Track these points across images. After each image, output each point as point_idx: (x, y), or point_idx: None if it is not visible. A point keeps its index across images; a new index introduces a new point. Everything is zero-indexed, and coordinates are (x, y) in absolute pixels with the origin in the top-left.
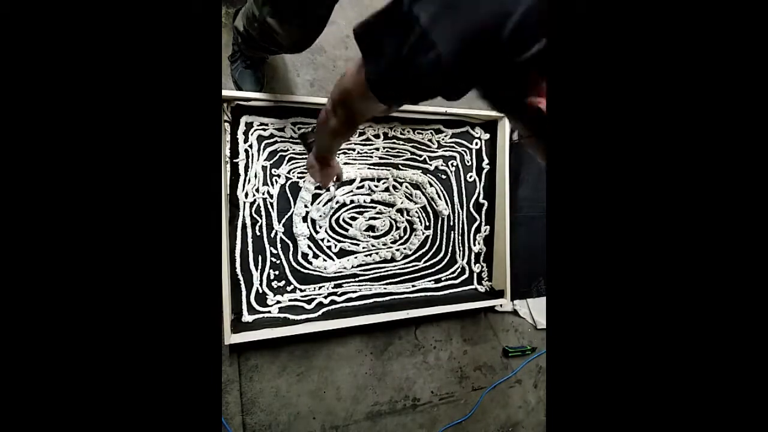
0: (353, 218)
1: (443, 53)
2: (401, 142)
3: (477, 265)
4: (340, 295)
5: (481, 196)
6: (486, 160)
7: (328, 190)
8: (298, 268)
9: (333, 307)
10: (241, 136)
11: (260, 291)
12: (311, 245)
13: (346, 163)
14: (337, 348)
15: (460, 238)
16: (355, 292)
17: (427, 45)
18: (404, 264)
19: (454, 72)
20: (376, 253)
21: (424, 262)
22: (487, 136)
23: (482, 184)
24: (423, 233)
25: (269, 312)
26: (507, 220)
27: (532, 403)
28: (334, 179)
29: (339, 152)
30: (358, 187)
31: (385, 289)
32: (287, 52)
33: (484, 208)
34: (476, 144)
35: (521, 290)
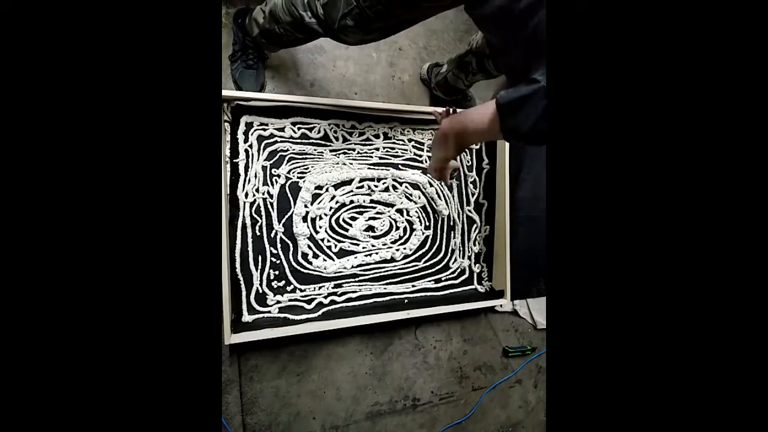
0: (353, 218)
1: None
2: (401, 142)
3: (477, 265)
4: (340, 295)
5: (481, 196)
6: (486, 160)
7: (450, 187)
8: (298, 268)
9: (333, 307)
10: (241, 136)
11: (260, 291)
12: (311, 245)
13: (344, 164)
14: (337, 348)
15: (460, 238)
16: (355, 292)
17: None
18: (404, 264)
19: None
20: (376, 253)
21: (424, 262)
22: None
23: (482, 184)
24: (423, 233)
25: (269, 312)
26: (507, 220)
27: (532, 403)
28: (454, 171)
29: (340, 152)
30: (358, 187)
31: (385, 289)
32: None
33: (484, 208)
34: (476, 144)
35: (521, 290)
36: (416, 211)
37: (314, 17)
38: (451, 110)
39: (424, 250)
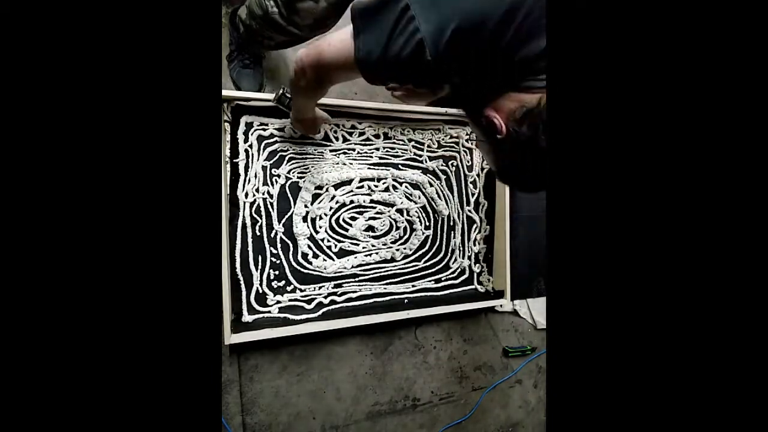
0: (353, 218)
1: (425, 35)
2: (401, 142)
3: (477, 265)
4: (340, 295)
5: (481, 196)
6: (486, 160)
7: (314, 137)
8: (298, 268)
9: (333, 307)
10: (241, 136)
11: (260, 291)
12: (311, 245)
13: (344, 164)
14: (337, 348)
15: (460, 238)
16: (355, 292)
17: (411, 25)
18: (404, 264)
19: (435, 59)
20: (376, 253)
21: (424, 262)
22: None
23: (482, 184)
24: (423, 233)
25: (269, 312)
26: (507, 220)
27: (532, 403)
28: (322, 126)
29: (340, 152)
30: (358, 187)
31: (385, 289)
32: (292, 40)
33: (484, 208)
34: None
35: (521, 290)
36: (416, 211)
37: (275, 5)
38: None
39: (424, 250)
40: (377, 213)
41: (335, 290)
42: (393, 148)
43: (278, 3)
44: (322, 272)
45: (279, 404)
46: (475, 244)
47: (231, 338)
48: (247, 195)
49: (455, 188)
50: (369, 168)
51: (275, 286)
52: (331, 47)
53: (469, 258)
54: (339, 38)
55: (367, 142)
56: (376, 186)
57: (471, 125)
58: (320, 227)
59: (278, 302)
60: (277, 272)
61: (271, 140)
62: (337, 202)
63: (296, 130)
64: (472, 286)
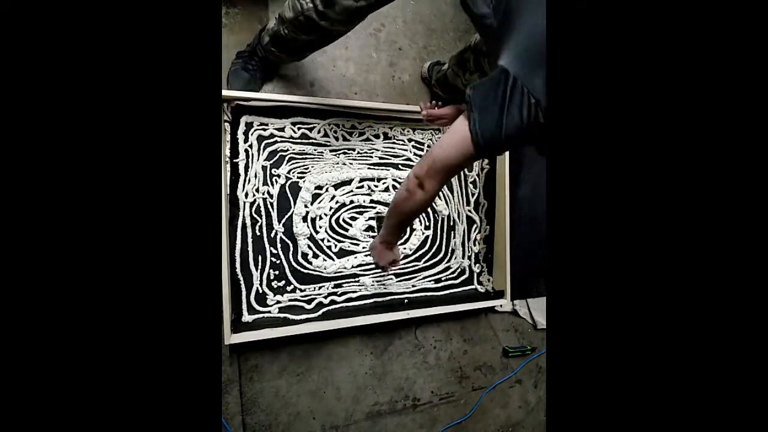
0: (353, 218)
1: (542, 104)
2: (401, 142)
3: (477, 265)
4: (340, 295)
5: (481, 196)
6: (486, 160)
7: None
8: (298, 268)
9: (333, 307)
10: (241, 136)
11: (260, 291)
12: (311, 245)
13: (344, 164)
14: (337, 348)
15: (460, 238)
16: (355, 292)
17: (524, 96)
18: (404, 264)
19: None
20: None
21: (424, 262)
22: None
23: (482, 184)
24: (423, 233)
25: (269, 312)
26: (507, 220)
27: (532, 403)
28: (392, 262)
29: (340, 152)
30: (358, 187)
31: (385, 289)
32: (330, 34)
33: (484, 208)
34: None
35: (521, 290)
36: None
37: (311, 1)
38: (435, 103)
39: (424, 250)
40: (377, 213)
41: (335, 290)
42: (393, 148)
43: (316, 4)
44: (322, 272)
45: (279, 404)
46: (475, 244)
47: (231, 338)
48: (247, 195)
49: (455, 188)
50: (369, 168)
51: (275, 286)
52: (445, 149)
53: (469, 258)
54: (450, 139)
55: (367, 142)
56: (376, 186)
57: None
58: (320, 227)
59: (278, 302)
60: (277, 272)
61: (271, 140)
62: (337, 202)
63: (373, 256)
64: (472, 286)
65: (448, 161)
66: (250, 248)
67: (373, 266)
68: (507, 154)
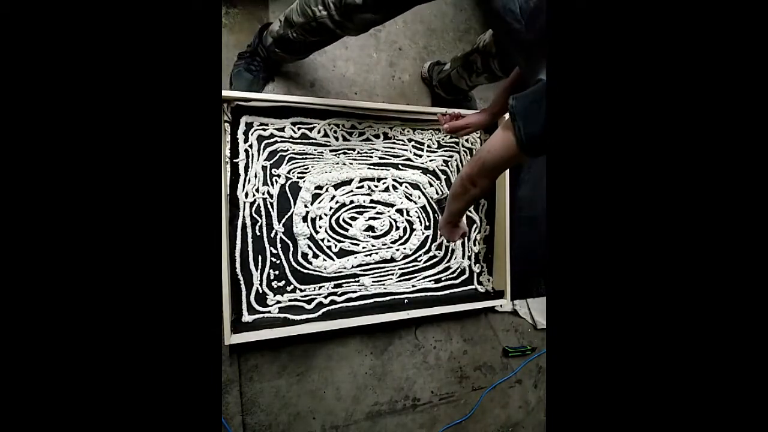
0: (353, 218)
1: None
2: (401, 142)
3: (477, 265)
4: (340, 295)
5: None
6: None
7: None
8: (298, 268)
9: (333, 307)
10: (241, 136)
11: (260, 291)
12: (311, 245)
13: (344, 164)
14: (337, 348)
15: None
16: (355, 292)
17: None
18: (404, 264)
19: None
20: (376, 253)
21: (424, 263)
22: (487, 136)
23: None
24: (423, 233)
25: (269, 312)
26: (507, 220)
27: (532, 403)
28: (462, 235)
29: (340, 152)
30: (358, 187)
31: (385, 289)
32: (349, 32)
33: (484, 208)
34: (476, 144)
35: (521, 290)
36: (416, 211)
37: (325, 9)
38: (455, 112)
39: (424, 249)
40: (377, 213)
41: (335, 290)
42: (393, 148)
43: (330, 8)
44: (322, 272)
45: (279, 404)
46: (475, 244)
47: (231, 338)
48: (247, 195)
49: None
50: (369, 168)
51: (275, 286)
52: (492, 152)
53: (469, 258)
54: (497, 141)
55: (367, 142)
56: (376, 186)
57: None
58: (320, 227)
59: (278, 302)
60: (277, 272)
61: (271, 140)
62: (337, 202)
63: (443, 234)
64: (472, 286)
65: (495, 163)
66: (250, 248)
67: (373, 266)
68: None
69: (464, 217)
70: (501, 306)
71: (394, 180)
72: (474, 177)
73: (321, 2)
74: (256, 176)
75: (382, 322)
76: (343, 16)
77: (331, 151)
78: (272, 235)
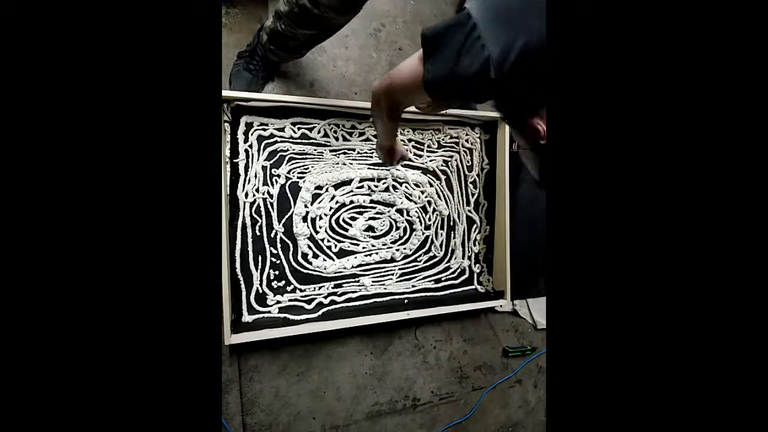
0: (353, 218)
1: (492, 54)
2: (401, 143)
3: (477, 265)
4: (340, 295)
5: (481, 196)
6: (486, 160)
7: (388, 168)
8: (298, 268)
9: (333, 307)
10: (241, 136)
11: (260, 291)
12: (311, 245)
13: (344, 164)
14: (337, 348)
15: (460, 238)
16: (355, 292)
17: (478, 44)
18: (404, 264)
19: (499, 77)
20: (376, 253)
21: (424, 263)
22: (487, 136)
23: (482, 184)
24: (423, 233)
25: (269, 312)
26: (507, 220)
27: (532, 403)
28: (399, 159)
29: (340, 152)
30: (358, 187)
31: (385, 289)
32: (335, 12)
33: (484, 208)
34: (476, 144)
35: (521, 290)
36: (416, 211)
37: None
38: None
39: (424, 250)
40: (377, 213)
41: (335, 290)
42: None
43: (291, 18)
44: (322, 272)
45: (279, 404)
46: (475, 244)
47: (231, 338)
48: (247, 195)
49: (455, 188)
50: (369, 168)
51: (275, 286)
52: (401, 73)
53: (469, 258)
54: (408, 65)
55: (367, 142)
56: (376, 186)
57: (513, 132)
58: (320, 227)
59: (278, 302)
60: (277, 272)
61: (271, 140)
62: (337, 202)
63: (378, 155)
64: (472, 287)
65: (400, 89)
66: (250, 248)
67: (373, 266)
68: (507, 156)
69: (399, 139)
70: (501, 306)
71: (394, 180)
72: (379, 93)
73: None
74: (256, 176)
75: (382, 322)
76: (316, 4)
77: (331, 151)
78: (272, 235)
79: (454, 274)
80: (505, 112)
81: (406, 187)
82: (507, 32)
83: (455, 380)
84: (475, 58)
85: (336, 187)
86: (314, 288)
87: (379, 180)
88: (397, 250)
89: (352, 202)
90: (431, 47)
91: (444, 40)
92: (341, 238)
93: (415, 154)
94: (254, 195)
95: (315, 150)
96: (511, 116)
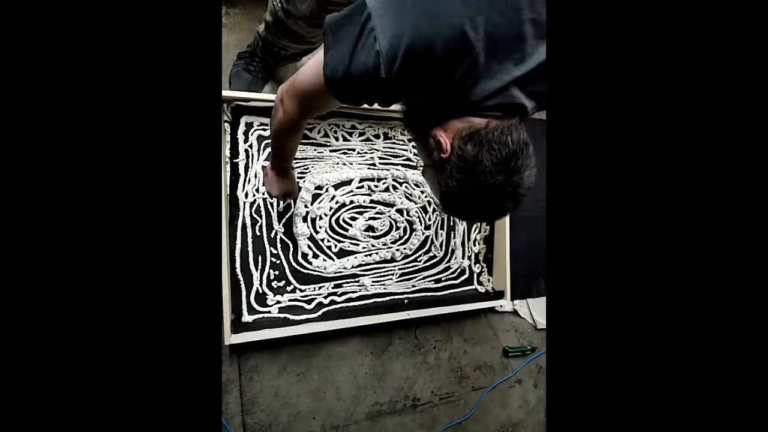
0: (353, 218)
1: (381, 49)
2: (401, 142)
3: (477, 265)
4: (340, 295)
5: None
6: None
7: (279, 204)
8: (298, 268)
9: (333, 307)
10: (241, 136)
11: (260, 291)
12: (311, 245)
13: (344, 164)
14: (337, 348)
15: (460, 238)
16: (355, 292)
17: (371, 36)
18: (404, 264)
19: (389, 76)
20: (376, 253)
21: (424, 263)
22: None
23: None
24: (423, 233)
25: (269, 312)
26: (507, 220)
27: (532, 403)
28: (286, 195)
29: (340, 152)
30: (358, 187)
31: (385, 289)
32: (305, 23)
33: None
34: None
35: (521, 290)
36: (416, 211)
37: (280, 2)
38: None
39: (424, 250)
40: (377, 213)
41: (335, 290)
42: (393, 148)
43: (275, 21)
44: (322, 272)
45: (279, 404)
46: (475, 244)
47: (231, 338)
48: (247, 195)
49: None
50: (369, 168)
51: (275, 286)
52: (304, 72)
53: (469, 258)
54: (312, 62)
55: (367, 143)
56: (376, 186)
57: (417, 147)
58: (320, 227)
59: (278, 302)
60: (277, 272)
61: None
62: (337, 202)
63: (265, 182)
64: (472, 287)
65: (304, 87)
66: (250, 248)
67: (373, 266)
68: None
69: (294, 173)
70: (501, 306)
71: (394, 180)
72: (283, 94)
73: None
74: (256, 176)
75: (382, 322)
76: (286, 13)
77: (331, 151)
78: (272, 235)
79: (454, 274)
80: (407, 121)
81: (406, 187)
82: (395, 28)
83: (455, 380)
84: (368, 53)
85: (336, 187)
86: (314, 288)
87: (379, 180)
88: (397, 250)
89: (352, 202)
90: (330, 38)
91: (341, 31)
92: (341, 238)
93: (415, 155)
94: (254, 195)
95: (315, 150)
96: (414, 126)
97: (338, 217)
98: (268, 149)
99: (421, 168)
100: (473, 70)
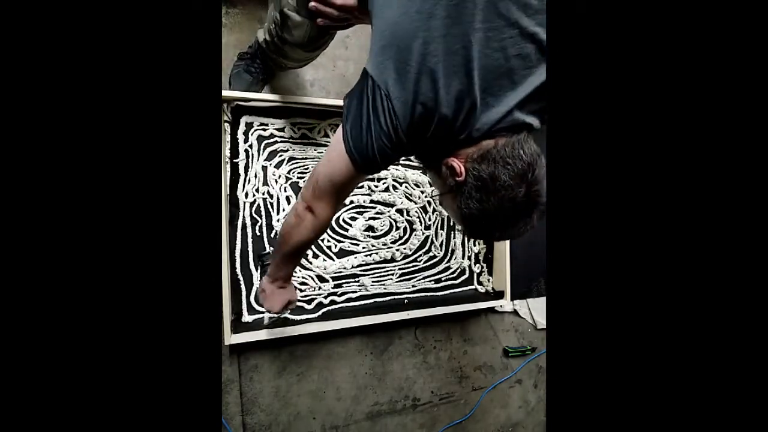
0: (353, 218)
1: (397, 109)
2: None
3: (477, 265)
4: (340, 295)
5: None
6: None
7: (279, 315)
8: (298, 268)
9: (333, 307)
10: (241, 136)
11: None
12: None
13: None
14: (337, 348)
15: (460, 238)
16: (355, 292)
17: (385, 102)
18: (404, 264)
19: (406, 130)
20: (376, 253)
21: (424, 263)
22: None
23: None
24: (423, 233)
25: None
26: None
27: (532, 403)
28: (287, 304)
29: None
30: (358, 187)
31: (385, 289)
32: (301, 50)
33: None
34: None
35: (521, 290)
36: (416, 211)
37: (276, 26)
38: None
39: (424, 250)
40: (377, 213)
41: (335, 290)
42: None
43: (277, 24)
44: (322, 272)
45: (279, 404)
46: (475, 244)
47: (231, 338)
48: (247, 195)
49: None
50: None
51: None
52: (327, 165)
53: (469, 258)
54: (331, 154)
55: None
56: (376, 186)
57: (431, 178)
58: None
59: None
60: None
61: (271, 140)
62: None
63: (263, 300)
64: (472, 287)
65: (332, 179)
66: (250, 248)
67: (373, 266)
68: None
69: (292, 279)
70: (501, 306)
71: (394, 180)
72: (309, 200)
73: (272, 19)
74: (256, 176)
75: (382, 322)
76: (282, 27)
77: None
78: (272, 235)
79: (454, 274)
80: (418, 155)
81: (406, 187)
82: (404, 89)
83: (455, 380)
84: (385, 114)
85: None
86: (314, 288)
87: (379, 180)
88: (397, 250)
89: (352, 202)
90: (347, 115)
91: (357, 105)
92: (341, 238)
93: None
94: (254, 195)
95: (315, 150)
96: (425, 159)
97: (338, 217)
98: (269, 149)
99: (438, 197)
100: (473, 112)
